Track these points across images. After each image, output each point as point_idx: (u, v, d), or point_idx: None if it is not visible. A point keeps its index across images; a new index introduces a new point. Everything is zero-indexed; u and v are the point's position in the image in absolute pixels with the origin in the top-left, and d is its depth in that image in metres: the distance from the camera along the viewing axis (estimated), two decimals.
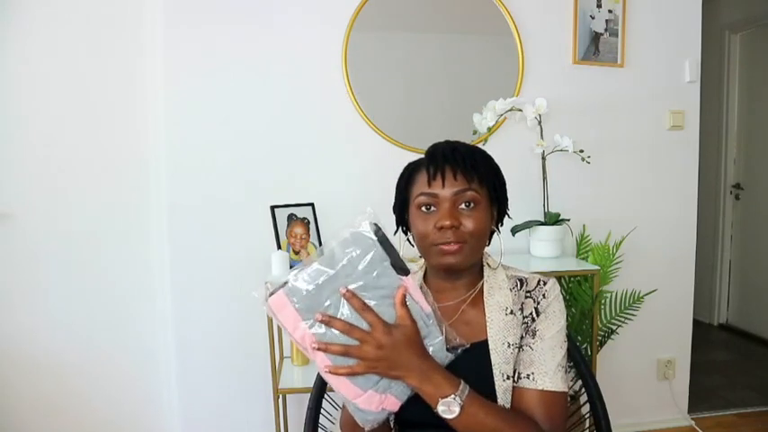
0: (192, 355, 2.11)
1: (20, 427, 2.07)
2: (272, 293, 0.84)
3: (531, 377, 0.94)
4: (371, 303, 0.84)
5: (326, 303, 0.83)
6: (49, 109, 2.01)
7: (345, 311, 0.83)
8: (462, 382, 0.87)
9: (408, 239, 1.06)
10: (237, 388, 2.14)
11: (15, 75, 1.98)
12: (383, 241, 0.85)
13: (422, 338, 0.87)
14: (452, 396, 0.84)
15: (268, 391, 1.95)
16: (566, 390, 0.95)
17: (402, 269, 0.86)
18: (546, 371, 0.94)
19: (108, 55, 2.04)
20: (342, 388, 0.86)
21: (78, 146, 2.04)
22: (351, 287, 0.83)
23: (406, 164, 1.05)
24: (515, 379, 0.95)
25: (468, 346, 0.91)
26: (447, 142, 1.02)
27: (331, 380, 0.86)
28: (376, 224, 0.85)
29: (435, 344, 0.89)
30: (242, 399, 2.15)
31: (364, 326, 0.83)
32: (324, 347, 0.82)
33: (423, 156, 1.03)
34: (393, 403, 0.87)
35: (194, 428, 2.13)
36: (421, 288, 0.94)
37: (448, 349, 0.90)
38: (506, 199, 1.05)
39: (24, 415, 2.07)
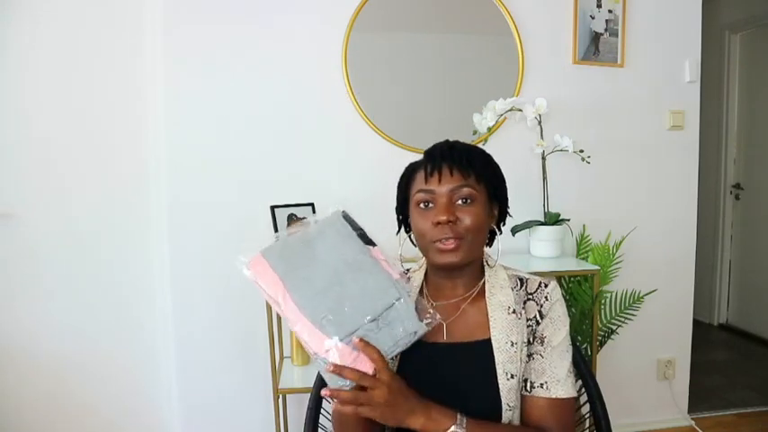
0: (192, 355, 2.11)
1: (20, 425, 2.07)
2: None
3: (545, 386, 0.95)
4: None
5: (302, 264, 0.89)
6: (50, 109, 2.01)
7: (318, 275, 0.88)
8: (459, 412, 0.88)
9: (410, 238, 1.07)
10: (237, 388, 2.14)
11: (16, 75, 1.98)
12: (348, 219, 0.96)
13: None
14: (453, 427, 0.86)
15: (268, 391, 1.95)
16: (575, 394, 0.97)
17: (368, 241, 0.94)
18: (558, 378, 0.96)
19: (108, 55, 2.04)
20: (310, 338, 0.85)
21: (79, 146, 2.04)
22: (321, 251, 0.90)
23: (405, 163, 1.06)
24: (528, 388, 0.96)
25: (438, 321, 0.91)
26: (446, 141, 1.03)
27: (299, 331, 0.86)
28: (343, 210, 0.97)
29: (402, 306, 0.88)
30: (242, 399, 2.15)
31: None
32: (335, 395, 0.83)
33: (423, 155, 1.04)
34: (368, 365, 0.85)
35: (194, 428, 2.13)
36: (421, 291, 0.99)
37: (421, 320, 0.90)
38: (506, 197, 1.05)
39: (24, 413, 2.07)
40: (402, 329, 0.87)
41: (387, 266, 0.92)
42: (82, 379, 2.10)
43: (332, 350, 0.84)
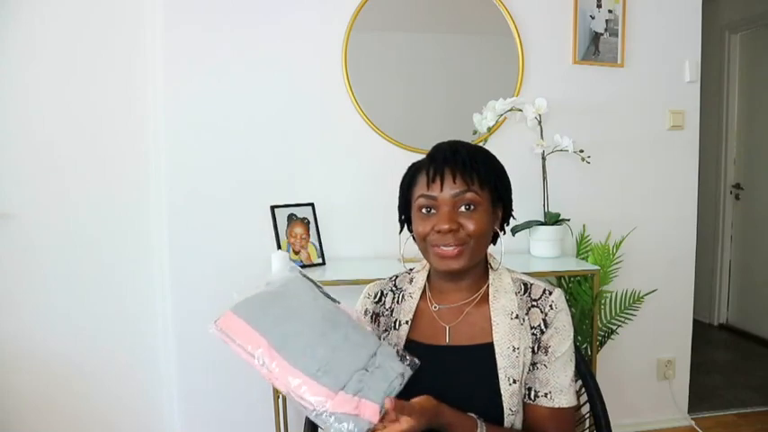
0: (192, 355, 2.11)
1: (20, 426, 2.06)
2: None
3: (548, 396, 0.95)
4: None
5: (282, 318, 0.89)
6: (50, 109, 2.01)
7: (303, 329, 0.89)
8: (478, 419, 0.90)
9: (413, 238, 1.05)
10: (237, 388, 2.14)
11: (16, 75, 1.98)
12: (307, 277, 0.99)
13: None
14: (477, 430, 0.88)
15: (268, 391, 1.95)
16: (576, 402, 0.98)
17: (333, 299, 0.96)
18: (561, 388, 0.96)
19: (108, 55, 2.04)
20: (308, 393, 0.82)
21: (79, 146, 2.04)
22: (296, 306, 0.92)
23: (405, 163, 1.05)
24: (531, 397, 0.96)
25: (419, 364, 0.91)
26: (450, 143, 1.00)
27: (295, 386, 0.83)
28: (299, 269, 1.00)
29: (384, 351, 0.90)
30: (242, 399, 2.15)
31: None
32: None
33: (426, 156, 1.02)
34: (371, 409, 0.82)
35: (194, 428, 2.13)
36: (423, 293, 1.01)
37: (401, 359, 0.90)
38: (510, 200, 1.04)
39: (25, 414, 2.06)
40: (391, 370, 0.87)
41: (359, 318, 0.95)
42: (82, 379, 2.10)
43: (331, 400, 0.82)
